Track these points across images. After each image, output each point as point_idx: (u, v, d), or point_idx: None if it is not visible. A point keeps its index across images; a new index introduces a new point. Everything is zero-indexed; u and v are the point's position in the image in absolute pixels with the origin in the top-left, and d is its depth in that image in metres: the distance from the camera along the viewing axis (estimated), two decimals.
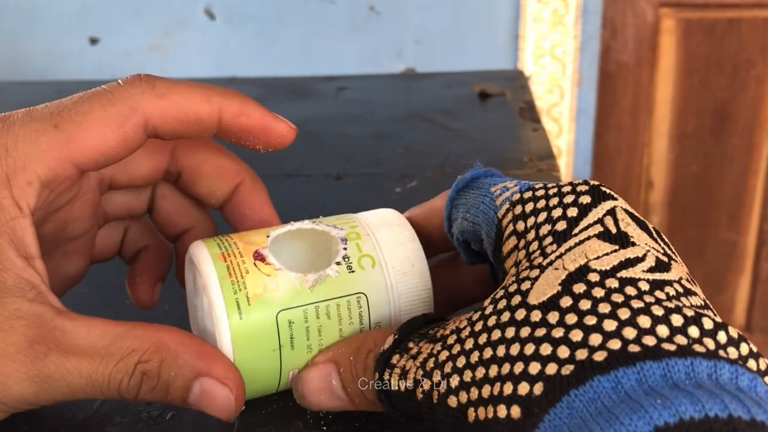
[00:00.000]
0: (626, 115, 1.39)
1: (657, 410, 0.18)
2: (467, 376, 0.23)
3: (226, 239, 0.29)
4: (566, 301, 0.22)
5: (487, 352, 0.22)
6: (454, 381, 0.23)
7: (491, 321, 0.23)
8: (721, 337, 0.20)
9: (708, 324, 0.21)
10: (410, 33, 1.31)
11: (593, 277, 0.22)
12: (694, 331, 0.20)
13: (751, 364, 0.21)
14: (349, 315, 0.28)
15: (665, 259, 0.23)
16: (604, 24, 1.32)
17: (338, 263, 0.29)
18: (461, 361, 0.23)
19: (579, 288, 0.22)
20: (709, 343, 0.20)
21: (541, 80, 1.31)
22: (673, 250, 0.25)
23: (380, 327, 0.29)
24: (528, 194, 0.27)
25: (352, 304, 0.28)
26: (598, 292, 0.22)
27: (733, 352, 0.20)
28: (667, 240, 0.25)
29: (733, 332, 0.21)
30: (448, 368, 0.23)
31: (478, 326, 0.23)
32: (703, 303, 0.22)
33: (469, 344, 0.23)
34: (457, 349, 0.24)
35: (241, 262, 0.28)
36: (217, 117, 0.29)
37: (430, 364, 0.24)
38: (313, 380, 0.28)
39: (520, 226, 0.26)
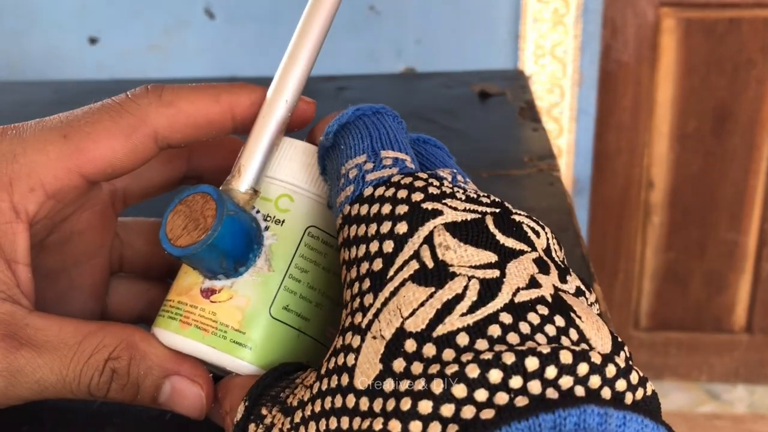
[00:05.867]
0: (627, 114, 1.39)
1: None
2: None
3: (168, 304, 0.28)
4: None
5: None
6: None
7: (327, 403, 0.21)
8: (550, 372, 0.18)
9: (532, 365, 0.18)
10: (410, 33, 1.31)
11: (410, 347, 0.20)
12: (516, 382, 0.18)
13: (618, 385, 0.19)
14: (318, 252, 0.27)
15: (494, 274, 0.21)
16: (604, 23, 1.32)
17: (267, 227, 0.27)
18: None
19: (399, 366, 0.20)
20: (533, 387, 0.18)
21: (542, 80, 1.31)
22: (525, 227, 0.23)
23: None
24: (355, 209, 0.24)
25: (309, 242, 0.27)
26: (417, 368, 0.20)
27: (566, 383, 0.19)
28: (516, 218, 0.23)
29: (567, 358, 0.19)
30: None
31: (317, 407, 0.22)
32: (549, 305, 0.21)
33: (312, 430, 0.22)
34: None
35: (201, 311, 0.26)
36: (230, 115, 0.28)
37: None
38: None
39: (346, 254, 0.24)
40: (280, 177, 0.27)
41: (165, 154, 0.30)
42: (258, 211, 0.27)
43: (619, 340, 0.21)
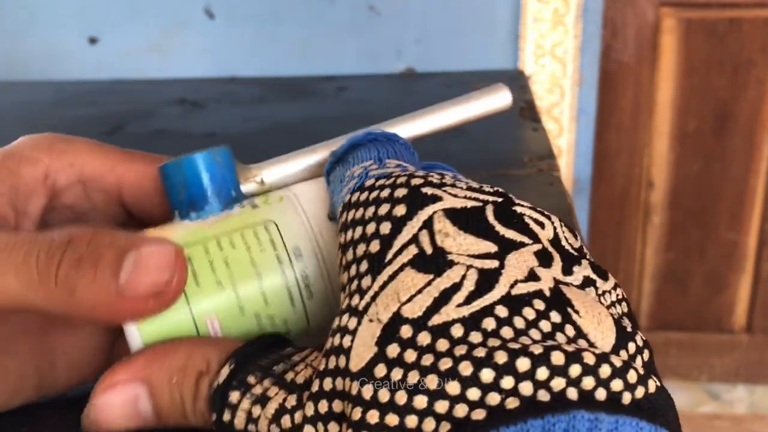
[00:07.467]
0: (627, 114, 1.39)
1: None
2: None
3: None
4: (380, 370, 0.20)
5: (320, 427, 0.21)
6: None
7: (327, 384, 0.21)
8: (541, 373, 0.18)
9: (523, 366, 0.18)
10: (410, 33, 1.31)
11: (405, 333, 0.20)
12: (507, 382, 0.18)
13: (613, 385, 0.19)
14: (259, 243, 0.27)
15: (493, 264, 0.21)
16: (604, 23, 1.32)
17: (242, 205, 0.28)
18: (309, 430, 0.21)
19: (393, 351, 0.20)
20: (524, 389, 0.18)
21: (542, 80, 1.31)
22: (527, 219, 0.23)
23: (301, 253, 0.27)
24: (356, 196, 0.24)
25: (260, 232, 0.27)
26: (410, 356, 0.20)
27: (557, 385, 0.18)
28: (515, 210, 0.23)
29: (558, 359, 0.18)
30: None
31: (315, 387, 0.21)
32: (546, 299, 0.20)
33: (310, 410, 0.21)
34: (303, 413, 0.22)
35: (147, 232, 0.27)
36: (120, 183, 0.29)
37: (287, 423, 0.22)
38: (114, 407, 0.23)
39: (342, 238, 0.24)
40: (295, 192, 0.28)
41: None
42: (247, 195, 0.28)
43: (628, 330, 0.21)
